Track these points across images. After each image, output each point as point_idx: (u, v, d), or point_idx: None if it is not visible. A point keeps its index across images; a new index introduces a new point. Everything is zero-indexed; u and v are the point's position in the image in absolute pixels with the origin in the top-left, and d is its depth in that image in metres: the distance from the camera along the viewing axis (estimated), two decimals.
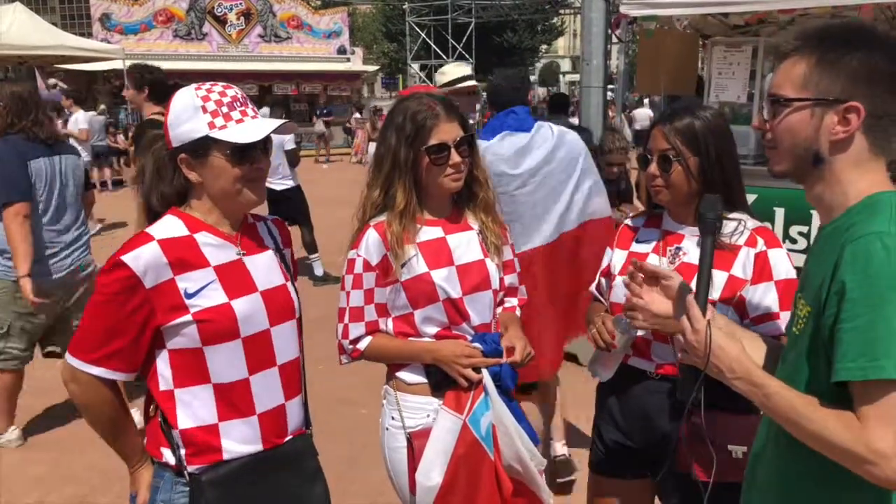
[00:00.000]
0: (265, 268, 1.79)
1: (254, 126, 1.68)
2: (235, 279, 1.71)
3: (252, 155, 1.68)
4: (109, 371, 1.64)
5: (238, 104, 1.69)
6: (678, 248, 2.07)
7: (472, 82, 4.13)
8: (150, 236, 1.65)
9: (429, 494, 2.02)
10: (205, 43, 22.61)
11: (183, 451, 1.68)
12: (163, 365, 1.68)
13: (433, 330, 2.07)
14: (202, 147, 1.66)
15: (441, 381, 2.06)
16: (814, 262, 1.40)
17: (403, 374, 2.12)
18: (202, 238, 1.70)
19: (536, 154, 3.29)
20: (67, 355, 1.67)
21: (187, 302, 1.64)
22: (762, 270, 1.96)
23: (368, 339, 2.10)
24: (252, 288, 1.73)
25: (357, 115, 22.43)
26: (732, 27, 6.50)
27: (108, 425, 1.73)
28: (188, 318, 1.64)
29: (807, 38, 1.35)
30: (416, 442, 2.06)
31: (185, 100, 1.68)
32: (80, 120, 11.78)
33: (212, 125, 1.65)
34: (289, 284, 1.85)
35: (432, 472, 2.01)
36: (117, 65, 17.61)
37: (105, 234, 9.76)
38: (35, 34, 14.37)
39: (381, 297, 2.08)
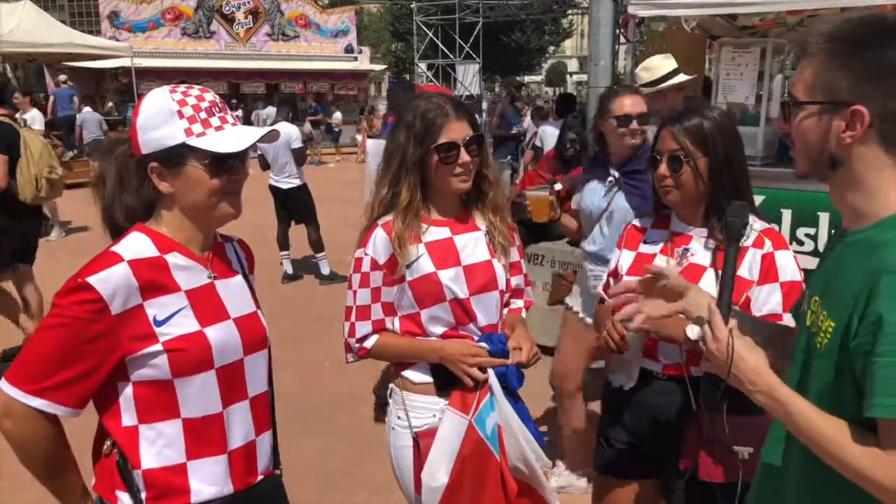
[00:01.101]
0: (237, 293, 1.67)
1: (235, 134, 1.54)
2: (207, 305, 1.58)
3: (231, 165, 1.55)
4: (51, 404, 1.46)
5: (216, 110, 1.55)
6: (686, 250, 2.06)
7: (683, 76, 3.98)
8: (118, 256, 1.48)
9: (434, 494, 2.02)
10: (213, 41, 22.72)
11: (144, 495, 1.52)
12: (125, 399, 1.52)
13: (440, 330, 2.07)
14: (177, 155, 1.51)
15: (447, 381, 2.06)
16: (835, 269, 1.32)
17: (409, 374, 2.12)
18: (173, 259, 1.55)
19: None
20: (3, 383, 1.47)
21: (157, 330, 1.49)
22: (768, 272, 1.96)
23: (375, 337, 2.10)
24: (224, 315, 1.60)
25: (338, 114, 22.17)
26: (740, 28, 6.48)
27: (47, 465, 1.55)
28: (157, 347, 1.49)
29: (819, 36, 1.28)
30: (422, 442, 2.06)
31: (158, 103, 1.52)
32: (36, 120, 10.19)
33: (189, 132, 1.50)
34: (259, 312, 1.72)
35: (438, 472, 2.01)
36: (125, 62, 17.73)
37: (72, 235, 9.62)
38: (44, 32, 14.45)
39: (387, 295, 2.08)
